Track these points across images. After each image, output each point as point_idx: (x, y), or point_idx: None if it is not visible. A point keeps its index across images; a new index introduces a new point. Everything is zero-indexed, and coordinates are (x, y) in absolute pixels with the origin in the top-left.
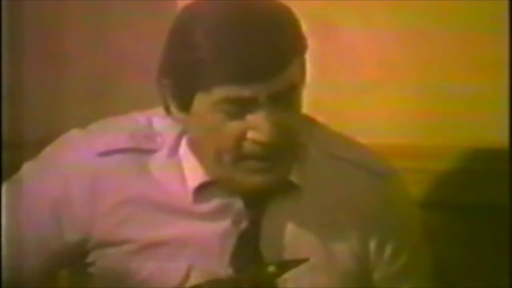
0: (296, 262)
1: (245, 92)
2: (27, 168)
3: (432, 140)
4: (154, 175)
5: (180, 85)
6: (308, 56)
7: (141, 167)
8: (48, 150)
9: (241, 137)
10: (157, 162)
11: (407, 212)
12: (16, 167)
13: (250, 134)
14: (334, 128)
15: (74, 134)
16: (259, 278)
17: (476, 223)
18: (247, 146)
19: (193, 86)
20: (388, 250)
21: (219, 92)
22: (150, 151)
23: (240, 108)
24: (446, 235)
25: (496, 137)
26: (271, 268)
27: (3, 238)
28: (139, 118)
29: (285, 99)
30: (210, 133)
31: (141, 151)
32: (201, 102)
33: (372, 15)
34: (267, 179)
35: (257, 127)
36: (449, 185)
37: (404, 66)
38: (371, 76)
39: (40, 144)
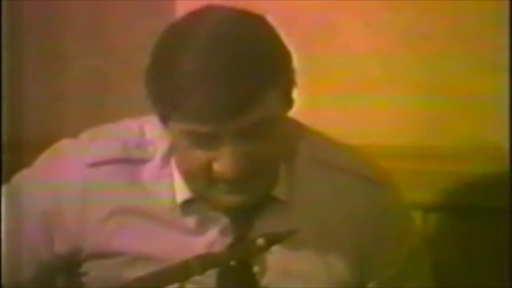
0: (284, 234)
1: (206, 128)
2: (19, 177)
3: (433, 141)
4: (146, 186)
5: (155, 104)
6: (308, 57)
7: (133, 178)
8: (39, 160)
9: (208, 165)
10: (149, 173)
11: (400, 218)
12: (16, 169)
13: (215, 166)
14: (333, 128)
15: (65, 144)
16: (249, 251)
17: (474, 225)
18: (215, 172)
19: (165, 110)
20: (383, 257)
21: (182, 124)
22: (142, 161)
23: (204, 140)
24: (446, 236)
25: (496, 138)
26: (260, 241)
27: None
28: (131, 125)
29: (255, 131)
30: (182, 155)
31: (133, 161)
32: (172, 125)
33: (372, 17)
34: (242, 199)
35: (221, 160)
36: (449, 186)
37: (404, 66)
38: (371, 76)
39: (40, 146)
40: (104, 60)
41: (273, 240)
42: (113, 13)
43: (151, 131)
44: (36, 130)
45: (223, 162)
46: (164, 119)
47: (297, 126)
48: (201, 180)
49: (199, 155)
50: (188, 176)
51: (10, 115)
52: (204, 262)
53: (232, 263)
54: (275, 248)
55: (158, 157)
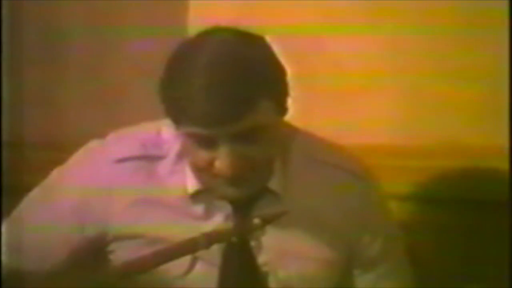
0: (277, 215)
1: (207, 131)
2: (55, 173)
3: (407, 141)
4: (161, 179)
5: (167, 109)
6: (298, 68)
7: (150, 172)
8: (73, 157)
9: (210, 163)
10: (164, 168)
11: (379, 207)
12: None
13: (217, 163)
14: (322, 129)
15: (94, 144)
16: (247, 229)
17: (442, 213)
18: (217, 168)
19: (174, 115)
20: (365, 239)
21: (188, 128)
22: (159, 158)
23: (206, 141)
24: (418, 223)
25: (477, 136)
26: (256, 221)
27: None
28: (149, 127)
29: (250, 136)
30: (190, 153)
31: (150, 158)
32: (180, 128)
33: (356, 28)
34: (240, 190)
35: (220, 160)
36: (421, 180)
37: (386, 74)
38: (355, 85)
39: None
40: (104, 62)
41: (267, 219)
42: (113, 15)
43: (167, 132)
44: (36, 129)
45: (222, 161)
46: (174, 123)
47: (290, 127)
48: (206, 175)
49: (203, 154)
50: (196, 171)
51: (10, 113)
52: (210, 238)
53: (233, 239)
54: (270, 232)
55: (172, 154)
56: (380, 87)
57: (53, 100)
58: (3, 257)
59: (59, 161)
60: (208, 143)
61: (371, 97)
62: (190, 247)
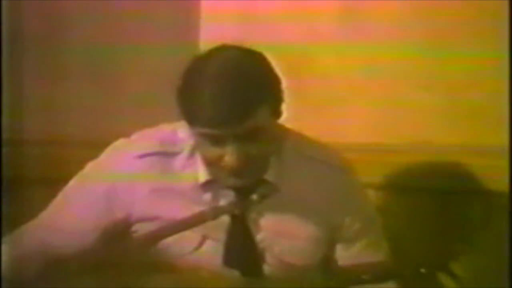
0: (269, 192)
1: (215, 132)
2: (88, 167)
3: (380, 139)
4: (176, 172)
5: (182, 113)
6: (287, 80)
7: (167, 166)
8: (103, 153)
9: (220, 157)
10: (179, 162)
11: (358, 193)
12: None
13: (225, 158)
14: (312, 130)
15: (120, 142)
16: (245, 204)
17: (410, 200)
18: (224, 162)
19: (188, 117)
20: (347, 219)
21: (201, 129)
22: (174, 154)
23: (216, 140)
24: (391, 207)
25: (441, 135)
26: (254, 197)
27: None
28: (167, 128)
29: (251, 135)
30: (202, 150)
31: (167, 154)
32: (193, 129)
33: (343, 45)
34: (242, 181)
35: (228, 155)
36: (392, 172)
37: (364, 87)
38: (338, 93)
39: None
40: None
41: (262, 195)
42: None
43: (182, 132)
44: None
45: (230, 156)
46: (188, 124)
47: (283, 128)
48: (215, 167)
49: (213, 150)
50: (207, 164)
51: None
52: (216, 211)
53: (236, 212)
54: (266, 215)
55: (186, 151)
56: (360, 95)
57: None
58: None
59: (58, 157)
60: (217, 141)
61: (352, 103)
62: (200, 218)
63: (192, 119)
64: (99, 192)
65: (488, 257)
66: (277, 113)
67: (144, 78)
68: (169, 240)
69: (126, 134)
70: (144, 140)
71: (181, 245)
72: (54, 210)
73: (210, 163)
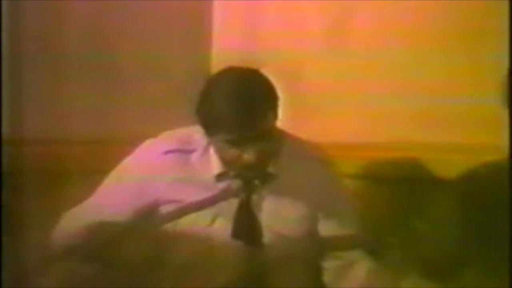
0: (269, 180)
1: (235, 137)
2: (125, 160)
3: (368, 138)
4: (193, 165)
5: (201, 123)
6: (281, 94)
7: (186, 160)
8: (135, 150)
9: (238, 156)
10: (195, 158)
11: (337, 181)
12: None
13: (244, 156)
14: (303, 131)
15: (149, 141)
16: (250, 190)
17: (379, 187)
18: (241, 159)
19: (207, 126)
20: (329, 202)
21: (222, 135)
22: (191, 151)
23: (234, 143)
24: (363, 193)
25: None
26: (256, 182)
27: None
28: (185, 131)
29: (261, 136)
30: (220, 151)
31: (185, 151)
32: (212, 134)
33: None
34: (254, 173)
35: (246, 154)
36: (365, 165)
37: (346, 90)
38: (321, 101)
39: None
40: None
41: (263, 182)
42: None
43: (196, 134)
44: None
45: (247, 155)
46: (206, 131)
47: (280, 131)
48: (232, 164)
49: (231, 152)
50: (224, 162)
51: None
52: (226, 193)
53: (242, 195)
54: (267, 199)
55: (200, 148)
56: (342, 100)
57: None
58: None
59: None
60: (235, 144)
61: (337, 107)
62: (213, 199)
63: (213, 129)
64: (133, 181)
65: (441, 229)
66: (276, 116)
67: (145, 80)
68: (188, 217)
69: (126, 133)
70: (167, 139)
71: (197, 221)
72: (99, 195)
73: (228, 161)
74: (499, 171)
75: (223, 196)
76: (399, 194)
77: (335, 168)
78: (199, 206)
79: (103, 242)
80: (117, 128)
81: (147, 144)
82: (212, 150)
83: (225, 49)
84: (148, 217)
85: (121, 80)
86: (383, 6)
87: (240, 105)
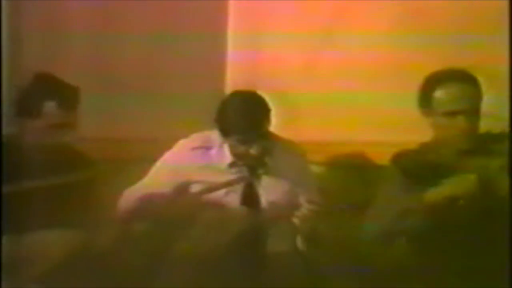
0: (266, 168)
1: (241, 138)
2: (166, 154)
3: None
4: (212, 158)
5: (220, 129)
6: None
7: (207, 154)
8: (173, 147)
9: (245, 152)
10: (213, 152)
11: (307, 166)
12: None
13: (251, 151)
14: (290, 133)
15: (182, 141)
16: (254, 175)
17: (345, 174)
18: (251, 153)
19: (225, 131)
20: (302, 180)
21: (235, 136)
22: (211, 147)
23: (243, 142)
24: (330, 181)
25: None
26: (260, 171)
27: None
28: (206, 133)
29: (261, 137)
30: (233, 148)
31: (207, 147)
32: (227, 135)
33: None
34: (257, 163)
35: (253, 150)
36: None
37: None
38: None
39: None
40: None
41: (264, 170)
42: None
43: (214, 135)
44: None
45: (253, 150)
46: (222, 133)
47: (272, 133)
48: (240, 156)
49: (241, 148)
50: (234, 155)
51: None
52: (238, 179)
53: (250, 180)
54: (265, 183)
55: (217, 146)
56: (325, 114)
57: (104, 101)
58: None
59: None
60: (244, 143)
61: (315, 118)
62: (228, 182)
63: (227, 132)
64: (172, 168)
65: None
66: (269, 123)
67: (178, 97)
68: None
69: (168, 134)
70: (193, 139)
71: (217, 194)
72: (150, 177)
73: (238, 155)
74: (422, 151)
75: (237, 180)
76: (348, 176)
77: (306, 157)
78: (218, 187)
79: (152, 207)
80: (160, 131)
81: (181, 142)
82: (226, 147)
83: (235, 74)
84: (182, 191)
85: (162, 99)
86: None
87: (245, 116)
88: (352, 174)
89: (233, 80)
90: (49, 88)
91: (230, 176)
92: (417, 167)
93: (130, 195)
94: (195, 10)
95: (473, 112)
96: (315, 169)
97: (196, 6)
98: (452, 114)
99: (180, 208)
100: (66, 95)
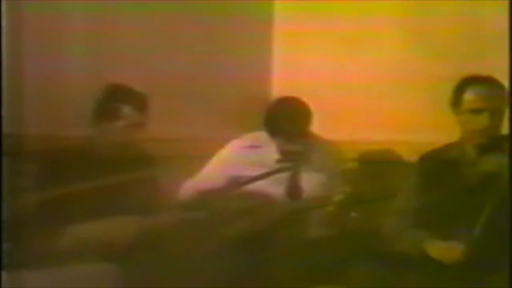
0: (305, 160)
1: (287, 137)
2: (221, 151)
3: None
4: (261, 155)
5: (268, 129)
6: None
7: (255, 152)
8: (227, 145)
9: (291, 150)
10: (261, 150)
11: (342, 162)
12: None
13: (295, 148)
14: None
15: (235, 140)
16: (297, 166)
17: None
18: (293, 150)
19: (272, 132)
20: (336, 172)
21: (281, 135)
22: (260, 146)
23: (289, 141)
24: None
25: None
26: (301, 163)
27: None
28: (256, 134)
29: (304, 136)
30: (279, 146)
31: (255, 146)
32: (273, 136)
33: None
34: (302, 157)
35: (298, 147)
36: None
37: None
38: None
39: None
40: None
41: (304, 162)
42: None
43: (262, 135)
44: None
45: (299, 147)
46: (270, 134)
47: (312, 133)
48: (286, 153)
49: (285, 146)
50: (281, 151)
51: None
52: (282, 168)
53: (292, 170)
54: (305, 171)
55: (264, 144)
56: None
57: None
58: None
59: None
60: (290, 141)
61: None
62: (273, 171)
63: (276, 132)
64: (226, 162)
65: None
66: (311, 124)
67: (232, 104)
68: (259, 183)
69: (222, 134)
70: (245, 139)
71: (263, 187)
72: (207, 170)
73: (284, 152)
74: (445, 153)
75: (277, 171)
76: (376, 171)
77: (340, 154)
78: (265, 175)
79: (206, 197)
80: (215, 131)
81: (234, 142)
82: (273, 145)
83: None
84: (233, 184)
85: (217, 104)
86: None
87: (292, 119)
88: (379, 169)
89: (277, 88)
90: (125, 95)
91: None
92: (442, 165)
93: (188, 187)
94: (242, 24)
95: (495, 111)
96: (347, 164)
97: (242, 22)
98: (477, 111)
99: (231, 198)
100: (138, 100)
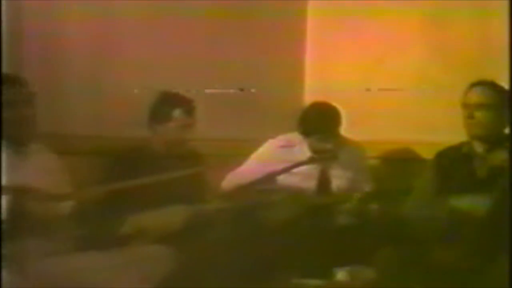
0: (335, 158)
1: (320, 138)
2: (259, 150)
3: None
4: (294, 154)
5: (303, 131)
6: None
7: (290, 151)
8: (264, 145)
9: (323, 147)
10: (295, 149)
11: (366, 160)
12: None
13: (327, 146)
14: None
15: (271, 140)
16: (328, 163)
17: None
18: (325, 149)
19: (306, 133)
20: (362, 169)
21: (314, 136)
22: (293, 145)
23: (321, 140)
24: None
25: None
26: (330, 161)
27: None
28: (290, 135)
29: (334, 136)
30: (312, 145)
31: (289, 146)
32: (306, 136)
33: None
34: (331, 155)
35: (329, 145)
36: None
37: None
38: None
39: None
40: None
41: (333, 160)
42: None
43: (295, 136)
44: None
45: (329, 146)
46: (303, 135)
47: (341, 134)
48: (317, 151)
49: (319, 145)
50: (313, 150)
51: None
52: (312, 160)
53: (323, 167)
54: (333, 168)
55: (298, 144)
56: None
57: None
58: None
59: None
60: (322, 141)
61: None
62: (303, 163)
63: (310, 133)
64: (263, 160)
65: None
66: (340, 126)
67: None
68: (289, 178)
69: (259, 136)
70: (280, 139)
71: (293, 181)
72: (245, 166)
73: (316, 150)
74: (457, 150)
75: (305, 162)
76: (396, 168)
77: (365, 153)
78: (295, 166)
79: (246, 190)
80: (253, 133)
81: (270, 142)
82: (305, 145)
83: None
84: (269, 179)
85: (255, 108)
86: None
87: (324, 120)
88: (399, 166)
89: (309, 93)
90: (174, 100)
91: (308, 167)
92: (455, 161)
93: (230, 180)
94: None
95: (494, 107)
96: (371, 162)
97: (277, 35)
98: (477, 108)
99: (270, 190)
100: (187, 104)
